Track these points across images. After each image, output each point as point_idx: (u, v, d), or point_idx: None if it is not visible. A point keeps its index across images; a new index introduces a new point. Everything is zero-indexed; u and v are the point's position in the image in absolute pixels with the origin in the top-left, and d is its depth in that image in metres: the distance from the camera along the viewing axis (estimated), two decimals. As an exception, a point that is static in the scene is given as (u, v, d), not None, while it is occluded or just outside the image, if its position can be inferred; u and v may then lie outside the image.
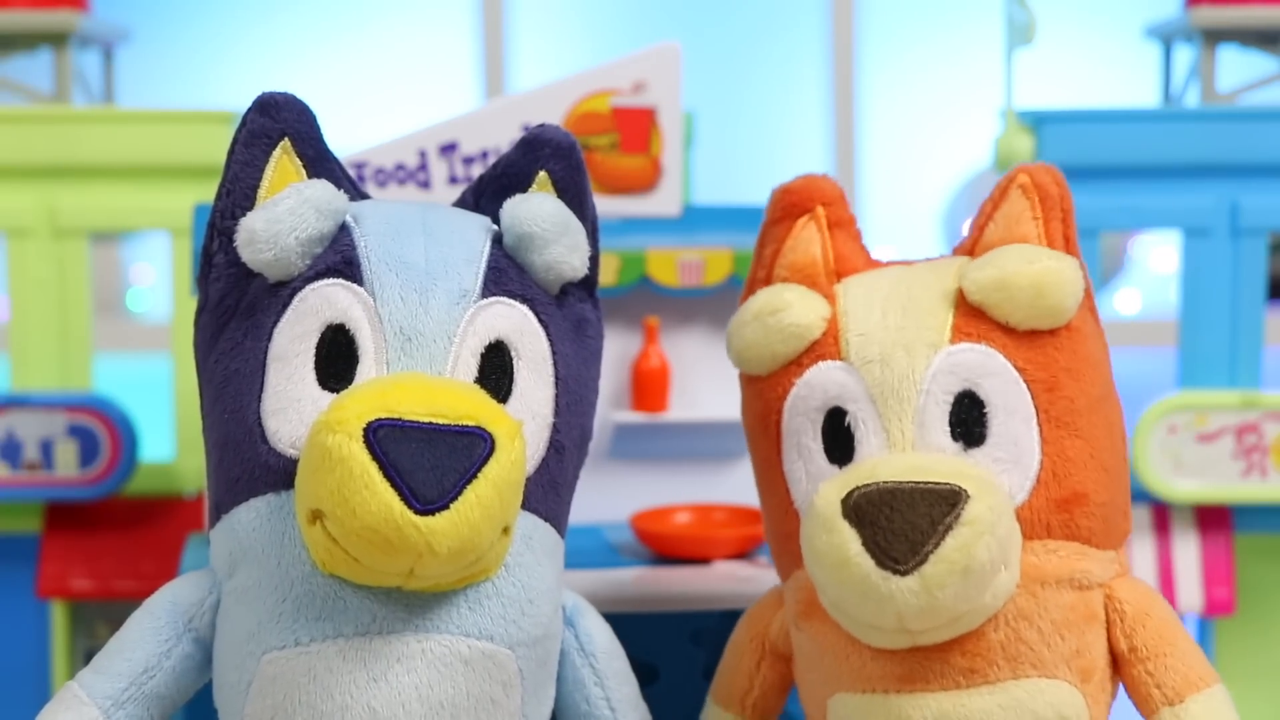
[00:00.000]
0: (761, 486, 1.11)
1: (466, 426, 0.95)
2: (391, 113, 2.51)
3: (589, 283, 1.12)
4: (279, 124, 1.06)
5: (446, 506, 0.93)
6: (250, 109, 1.07)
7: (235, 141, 1.07)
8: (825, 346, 1.07)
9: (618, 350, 1.49)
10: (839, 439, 1.04)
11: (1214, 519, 1.64)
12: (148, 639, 1.03)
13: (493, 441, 0.95)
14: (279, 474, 1.00)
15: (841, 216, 1.13)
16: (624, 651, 1.12)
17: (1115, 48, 2.56)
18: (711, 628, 1.38)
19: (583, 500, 1.49)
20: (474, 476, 0.94)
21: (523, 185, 1.10)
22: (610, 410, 1.49)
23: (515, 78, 2.69)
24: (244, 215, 1.04)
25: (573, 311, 1.10)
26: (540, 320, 1.07)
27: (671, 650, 1.36)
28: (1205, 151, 1.62)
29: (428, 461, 0.93)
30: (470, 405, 0.96)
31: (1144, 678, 1.03)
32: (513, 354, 1.05)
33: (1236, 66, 1.75)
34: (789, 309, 1.07)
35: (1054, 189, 1.08)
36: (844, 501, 0.97)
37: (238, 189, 1.06)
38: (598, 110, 1.48)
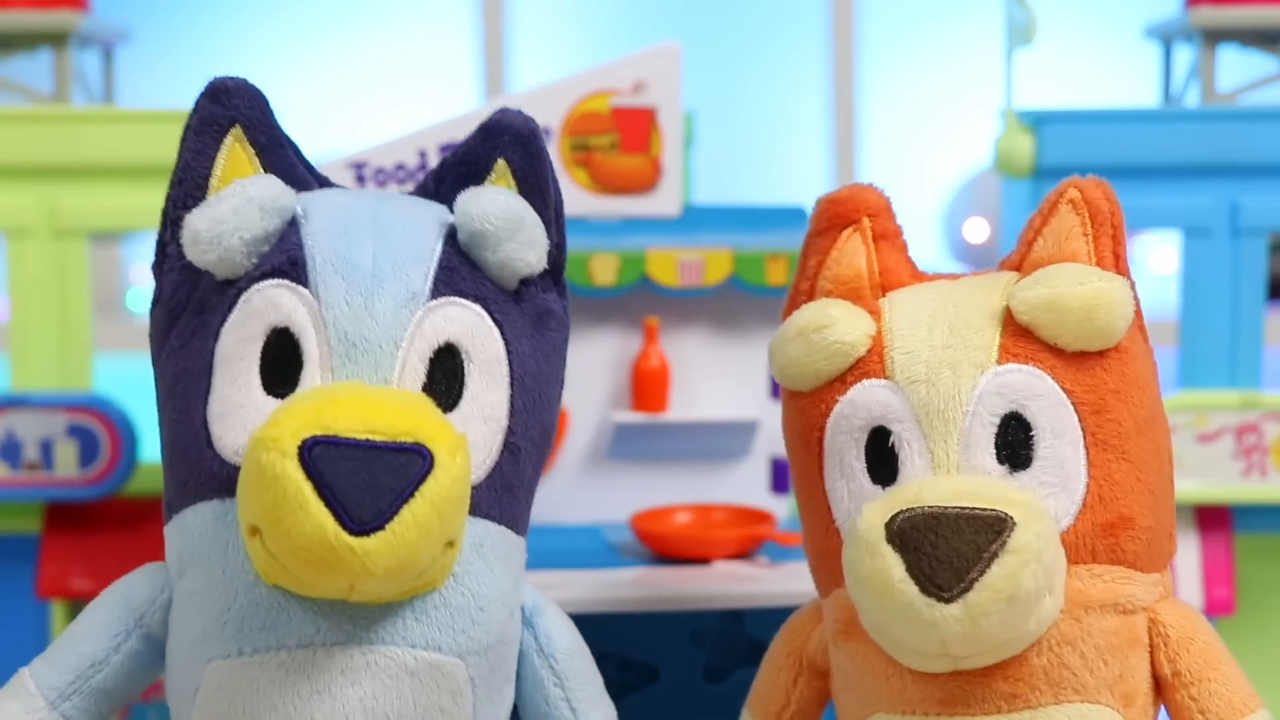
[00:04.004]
0: (802, 502, 1.09)
1: (404, 444, 0.93)
2: (391, 113, 2.51)
3: (555, 271, 1.09)
4: (229, 111, 1.04)
5: (382, 527, 0.91)
6: (201, 95, 1.04)
7: (186, 129, 1.05)
8: (870, 364, 1.04)
9: (618, 350, 1.49)
10: (883, 459, 1.02)
11: (1214, 519, 1.64)
12: (97, 633, 1.02)
13: (431, 459, 0.93)
14: (223, 481, 0.99)
15: (887, 228, 1.10)
16: (587, 649, 1.10)
17: (1115, 48, 2.56)
18: (711, 627, 1.38)
19: (583, 500, 1.50)
20: (410, 496, 0.92)
21: (481, 173, 1.07)
22: (610, 410, 1.49)
23: (515, 78, 2.69)
24: (196, 205, 1.02)
25: (533, 305, 1.07)
26: (494, 319, 1.04)
27: (671, 650, 1.36)
28: (1205, 151, 1.62)
29: (363, 481, 0.91)
30: (409, 421, 0.94)
31: (1188, 703, 1.02)
32: (464, 357, 1.02)
33: (1236, 66, 1.75)
34: (834, 326, 1.05)
35: (1104, 204, 1.05)
36: (888, 525, 0.95)
37: (189, 178, 1.04)
38: (598, 110, 1.48)
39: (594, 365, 1.48)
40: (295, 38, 2.75)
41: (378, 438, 0.93)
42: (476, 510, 1.00)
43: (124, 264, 2.69)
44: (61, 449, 1.62)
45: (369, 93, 2.70)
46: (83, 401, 1.62)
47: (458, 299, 1.03)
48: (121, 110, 1.71)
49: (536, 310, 1.07)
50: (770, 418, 1.48)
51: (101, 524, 1.66)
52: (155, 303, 1.06)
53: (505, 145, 1.07)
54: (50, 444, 1.62)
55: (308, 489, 0.91)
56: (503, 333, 1.04)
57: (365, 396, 0.96)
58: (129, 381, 1.88)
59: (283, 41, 2.74)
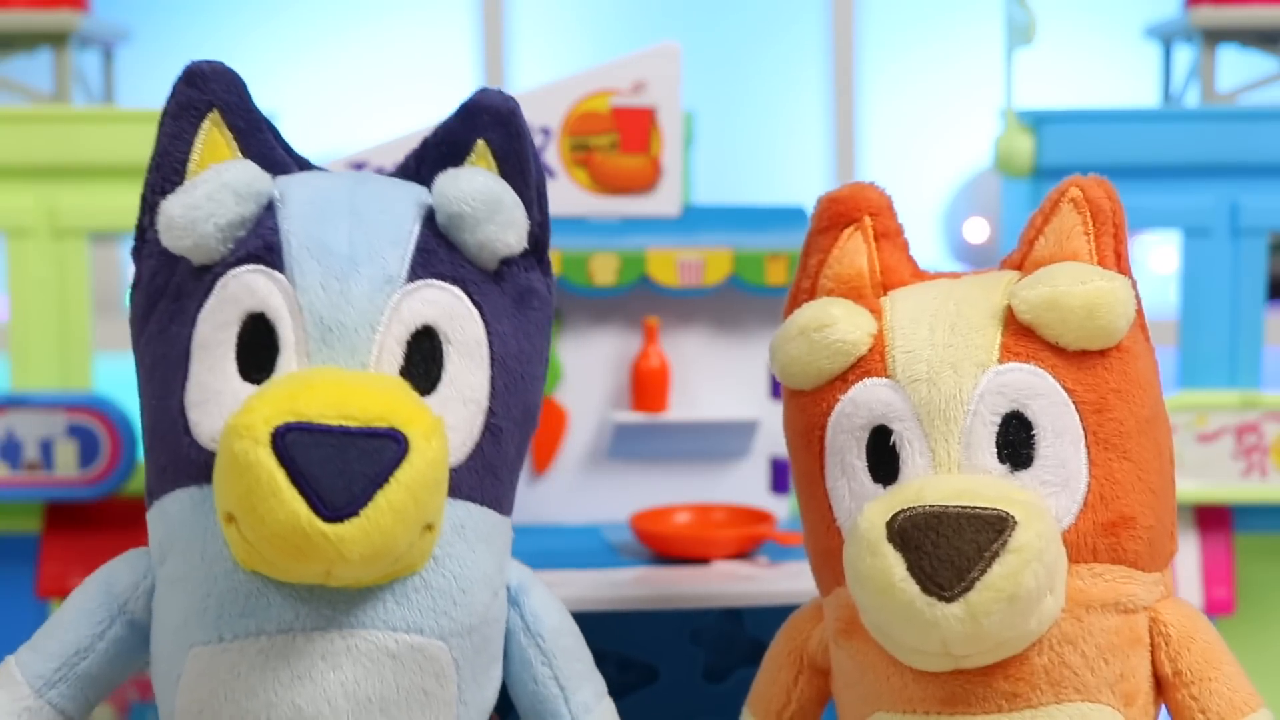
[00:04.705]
0: (803, 501, 1.09)
1: (377, 429, 0.92)
2: (391, 113, 2.51)
3: (538, 250, 1.08)
4: (206, 95, 1.04)
5: (356, 513, 0.91)
6: (178, 80, 1.04)
7: (164, 114, 1.04)
8: (871, 363, 1.04)
9: (618, 350, 1.49)
10: (884, 458, 1.02)
11: (1214, 519, 1.64)
12: (81, 620, 1.03)
13: (406, 443, 0.93)
14: (201, 467, 0.98)
15: (888, 227, 1.10)
16: (576, 626, 1.09)
17: (1115, 48, 2.56)
18: (711, 627, 1.38)
19: (583, 500, 1.50)
20: (384, 481, 0.92)
21: (461, 154, 1.06)
22: (610, 410, 1.49)
23: (515, 78, 2.69)
24: (173, 190, 1.02)
25: (514, 285, 1.06)
26: (473, 301, 1.03)
27: (671, 650, 1.36)
28: (1205, 151, 1.62)
29: (336, 467, 0.91)
30: (383, 406, 0.94)
31: (1189, 702, 1.02)
32: (442, 339, 1.01)
33: (1236, 66, 1.76)
34: (836, 325, 1.05)
35: (1106, 203, 1.05)
36: (889, 525, 0.95)
37: (166, 163, 1.04)
38: (598, 110, 1.48)
39: (594, 365, 1.49)
40: (295, 38, 2.75)
41: (351, 423, 0.92)
42: (457, 492, 1.00)
43: (124, 264, 2.69)
44: (61, 449, 1.62)
45: (369, 93, 2.70)
46: (83, 401, 1.62)
47: (436, 281, 1.02)
48: (121, 110, 1.71)
49: (518, 290, 1.06)
50: (770, 418, 1.48)
51: (101, 524, 1.66)
52: (134, 287, 1.06)
53: (485, 125, 1.06)
54: (50, 444, 1.62)
55: (280, 476, 0.91)
56: (482, 314, 1.03)
57: (339, 382, 0.95)
58: (129, 381, 1.88)
59: (283, 41, 2.74)
